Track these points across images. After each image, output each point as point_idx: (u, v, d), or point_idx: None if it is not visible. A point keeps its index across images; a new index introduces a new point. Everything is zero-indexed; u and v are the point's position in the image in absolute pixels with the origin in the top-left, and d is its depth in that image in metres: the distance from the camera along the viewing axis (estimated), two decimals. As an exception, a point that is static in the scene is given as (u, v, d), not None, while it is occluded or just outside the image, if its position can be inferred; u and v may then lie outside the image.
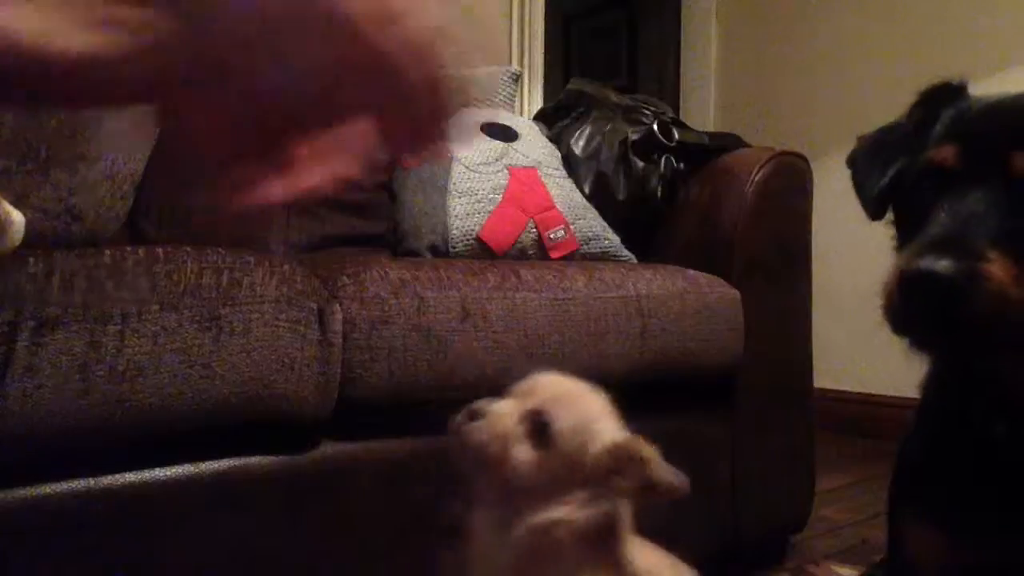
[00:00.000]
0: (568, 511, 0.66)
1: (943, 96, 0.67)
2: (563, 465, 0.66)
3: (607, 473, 0.66)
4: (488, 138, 1.45)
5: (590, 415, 0.69)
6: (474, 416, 0.67)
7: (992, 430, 0.62)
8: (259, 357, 0.84)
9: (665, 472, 0.65)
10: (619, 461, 0.66)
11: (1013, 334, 0.55)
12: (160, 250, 0.82)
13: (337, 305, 0.94)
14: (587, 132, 1.62)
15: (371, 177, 1.37)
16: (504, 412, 0.68)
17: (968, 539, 0.64)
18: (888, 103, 0.84)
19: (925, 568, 0.67)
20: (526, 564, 0.66)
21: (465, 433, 0.67)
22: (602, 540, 0.67)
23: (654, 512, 0.68)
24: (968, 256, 0.54)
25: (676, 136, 1.54)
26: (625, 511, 0.69)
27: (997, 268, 0.54)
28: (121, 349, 0.75)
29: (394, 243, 1.35)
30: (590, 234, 1.44)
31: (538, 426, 0.67)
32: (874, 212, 0.70)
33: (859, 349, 2.79)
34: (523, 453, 0.66)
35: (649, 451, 0.66)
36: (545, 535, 0.65)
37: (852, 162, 0.74)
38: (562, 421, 0.67)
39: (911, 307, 0.56)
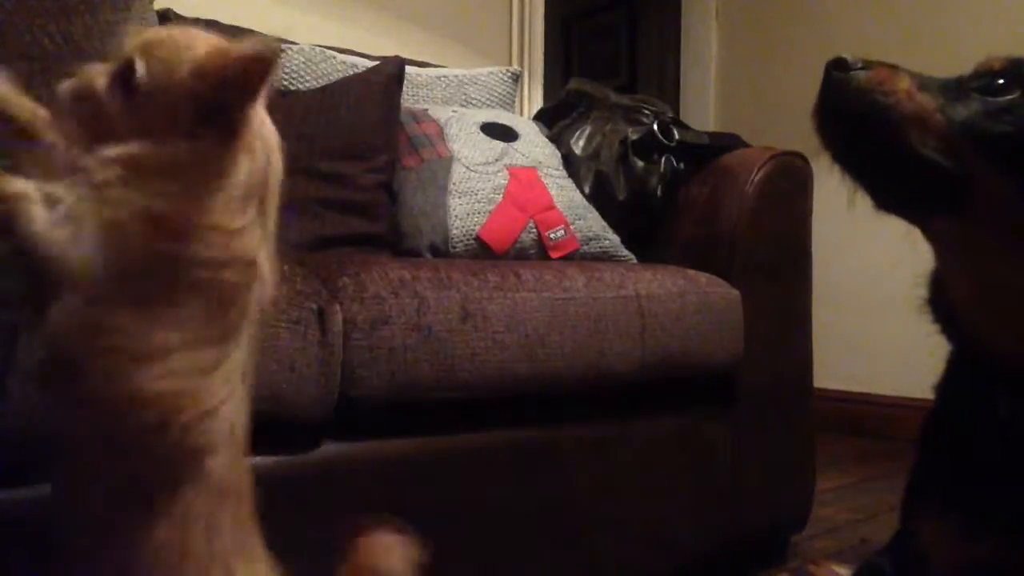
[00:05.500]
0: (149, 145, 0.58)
1: None
2: (152, 109, 0.58)
3: (195, 102, 0.57)
4: (488, 138, 1.45)
5: (183, 46, 0.60)
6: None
7: (997, 409, 0.62)
8: (259, 357, 0.84)
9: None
10: (211, 74, 0.57)
11: (885, 130, 0.61)
12: (160, 250, 0.82)
13: (337, 305, 0.93)
14: (587, 132, 1.61)
15: (371, 176, 1.36)
16: (96, 71, 0.60)
17: (983, 534, 0.64)
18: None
19: (937, 562, 0.67)
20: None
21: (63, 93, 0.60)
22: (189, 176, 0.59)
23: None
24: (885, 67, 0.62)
25: (676, 136, 1.54)
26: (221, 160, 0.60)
27: (900, 80, 0.61)
28: (121, 349, 0.75)
29: (394, 243, 1.35)
30: (590, 234, 1.43)
31: (124, 76, 0.59)
32: None
33: (859, 349, 2.79)
34: (110, 109, 0.59)
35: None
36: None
37: None
38: (149, 65, 0.59)
39: (823, 100, 0.63)
